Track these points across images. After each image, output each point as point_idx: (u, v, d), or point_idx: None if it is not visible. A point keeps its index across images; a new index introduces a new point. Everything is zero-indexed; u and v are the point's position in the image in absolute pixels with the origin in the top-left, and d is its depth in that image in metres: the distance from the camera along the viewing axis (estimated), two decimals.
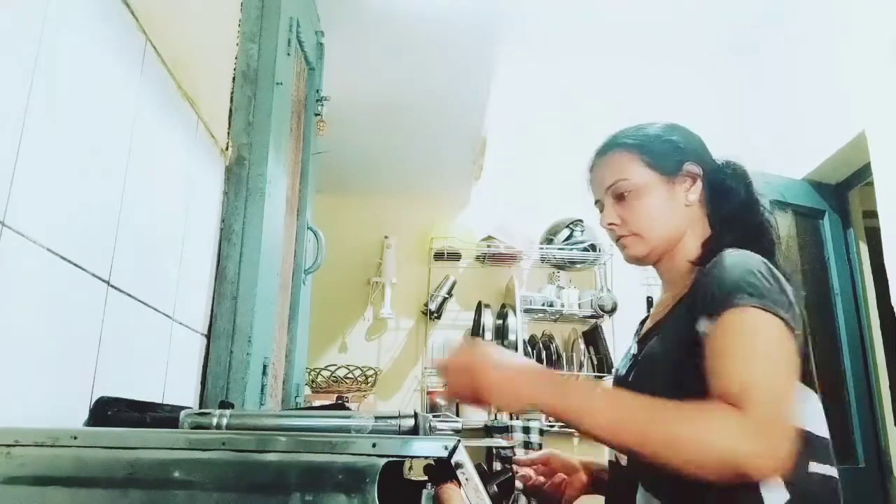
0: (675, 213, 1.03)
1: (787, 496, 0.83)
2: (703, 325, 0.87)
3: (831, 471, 0.89)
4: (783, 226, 2.63)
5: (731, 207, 1.04)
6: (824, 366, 2.60)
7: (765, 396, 0.77)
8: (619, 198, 1.05)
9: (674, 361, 0.93)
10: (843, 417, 2.57)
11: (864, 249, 2.75)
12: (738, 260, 0.90)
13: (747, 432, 0.75)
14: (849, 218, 2.78)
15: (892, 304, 2.06)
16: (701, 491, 0.86)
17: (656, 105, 2.66)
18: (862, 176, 2.58)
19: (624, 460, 1.01)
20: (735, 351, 0.82)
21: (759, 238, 1.01)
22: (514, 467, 1.15)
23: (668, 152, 1.05)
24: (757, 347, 0.82)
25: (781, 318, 0.83)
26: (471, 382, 0.85)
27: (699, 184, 1.04)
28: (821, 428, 0.90)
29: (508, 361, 0.87)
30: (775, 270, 0.89)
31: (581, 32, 3.17)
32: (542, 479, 1.14)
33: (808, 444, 0.85)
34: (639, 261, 1.07)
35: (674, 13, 3.02)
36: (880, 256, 2.19)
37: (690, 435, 0.76)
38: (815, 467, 0.87)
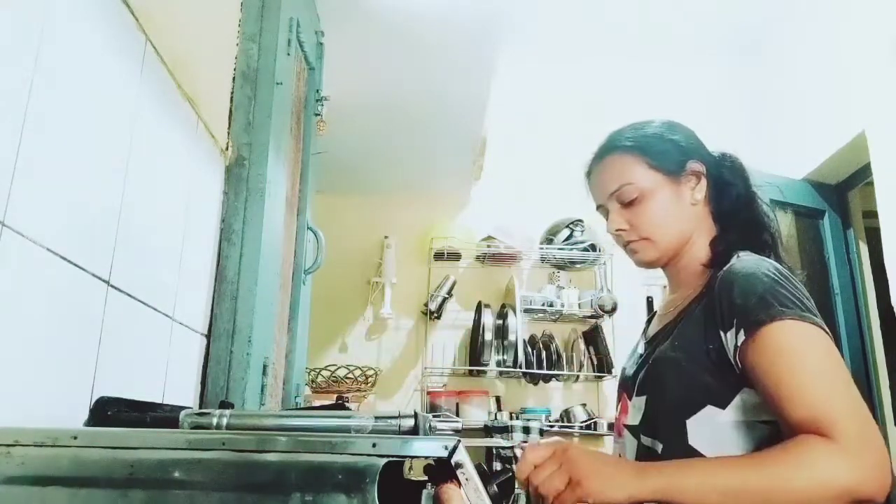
0: (683, 213, 1.01)
1: None
2: (732, 338, 0.85)
3: None
4: (783, 226, 2.63)
5: (731, 202, 1.03)
6: None
7: (853, 419, 0.75)
8: (626, 203, 1.01)
9: (688, 370, 0.91)
10: None
11: (864, 249, 2.75)
12: (753, 267, 0.88)
13: (852, 464, 0.72)
14: (849, 218, 2.77)
15: (892, 304, 2.06)
16: None
17: (656, 105, 2.66)
18: (862, 176, 2.58)
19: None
20: (797, 371, 0.79)
21: (759, 233, 1.00)
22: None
23: (671, 152, 1.02)
24: (818, 365, 0.80)
25: (820, 327, 0.82)
26: (566, 471, 0.77)
27: (703, 182, 1.02)
28: None
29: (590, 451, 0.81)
30: (790, 275, 0.87)
31: (581, 32, 3.17)
32: None
33: None
34: (650, 265, 1.05)
35: (675, 13, 3.02)
36: (880, 256, 2.19)
37: (797, 486, 0.73)
38: None
